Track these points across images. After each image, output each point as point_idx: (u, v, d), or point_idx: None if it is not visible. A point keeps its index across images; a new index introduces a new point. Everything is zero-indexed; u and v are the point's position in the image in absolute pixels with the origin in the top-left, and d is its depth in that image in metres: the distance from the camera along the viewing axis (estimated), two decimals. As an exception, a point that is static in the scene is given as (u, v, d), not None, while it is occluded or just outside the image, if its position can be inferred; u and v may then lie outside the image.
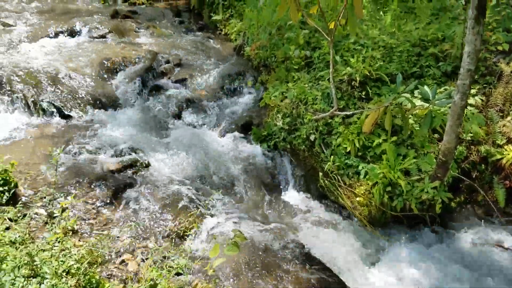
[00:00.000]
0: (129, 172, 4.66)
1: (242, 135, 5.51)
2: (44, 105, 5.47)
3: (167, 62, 6.94)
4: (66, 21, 7.74)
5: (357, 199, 4.30)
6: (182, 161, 4.99)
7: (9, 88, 5.49)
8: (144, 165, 4.80)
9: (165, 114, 5.97)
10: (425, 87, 3.84)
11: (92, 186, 4.25)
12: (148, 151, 5.08)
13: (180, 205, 4.10)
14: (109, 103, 5.97)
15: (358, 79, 4.67)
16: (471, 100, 4.40)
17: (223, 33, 8.16)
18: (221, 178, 4.77)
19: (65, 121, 5.46)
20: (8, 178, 3.75)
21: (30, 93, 5.49)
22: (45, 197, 3.67)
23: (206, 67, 6.87)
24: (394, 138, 4.33)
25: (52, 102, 5.53)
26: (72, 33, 7.44)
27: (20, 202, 3.49)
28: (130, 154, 4.95)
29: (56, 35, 7.30)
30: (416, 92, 4.40)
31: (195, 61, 7.11)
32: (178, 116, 5.95)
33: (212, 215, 4.07)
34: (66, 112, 5.55)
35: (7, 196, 3.38)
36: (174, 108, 6.02)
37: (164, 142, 5.37)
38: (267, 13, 6.04)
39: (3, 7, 8.26)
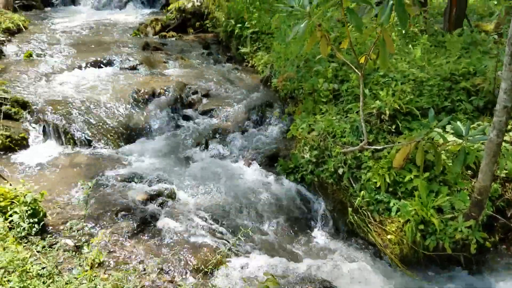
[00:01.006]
0: (156, 203, 4.66)
1: (268, 167, 5.47)
2: (75, 135, 5.59)
3: (195, 93, 7.03)
4: (99, 52, 8.00)
5: (388, 236, 4.16)
6: (208, 192, 4.96)
7: (42, 118, 5.65)
8: (171, 196, 4.79)
9: (192, 144, 6.00)
10: (458, 123, 3.75)
11: (119, 217, 4.26)
12: (174, 181, 5.08)
13: (206, 240, 4.05)
14: (138, 133, 6.05)
15: (387, 112, 4.60)
16: (506, 137, 4.26)
17: (250, 65, 8.25)
18: (248, 211, 4.70)
19: (94, 150, 5.55)
20: (37, 208, 3.80)
21: (62, 123, 5.63)
22: (72, 228, 3.68)
23: (233, 98, 6.92)
24: (426, 174, 4.21)
25: (83, 132, 5.65)
26: (104, 64, 7.65)
27: (48, 232, 3.52)
28: (156, 184, 4.97)
29: (89, 66, 7.52)
30: (448, 127, 4.30)
31: (222, 92, 7.17)
32: (205, 146, 5.96)
33: (239, 252, 4.00)
34: (95, 142, 5.65)
35: (37, 229, 3.40)
36: (201, 138, 6.04)
37: (191, 172, 5.37)
38: (295, 46, 6.10)
39: (39, 38, 8.61)
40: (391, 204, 4.22)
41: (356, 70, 3.95)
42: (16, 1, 10.88)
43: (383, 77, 5.07)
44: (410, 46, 5.70)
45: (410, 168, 4.29)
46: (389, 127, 4.67)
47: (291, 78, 6.13)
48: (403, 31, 5.72)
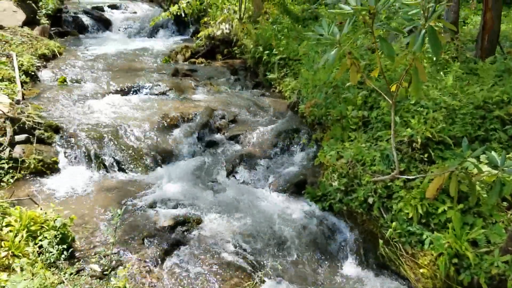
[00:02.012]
0: (182, 229, 4.65)
1: (296, 194, 5.40)
2: (105, 159, 5.68)
3: (223, 118, 7.08)
4: (130, 78, 8.20)
5: (421, 270, 3.99)
6: (234, 219, 4.92)
7: (74, 142, 5.78)
8: (196, 222, 4.78)
9: (219, 170, 6.00)
10: (493, 153, 3.61)
11: (145, 243, 4.26)
12: (200, 207, 5.07)
13: (233, 268, 3.98)
14: (166, 157, 6.11)
15: (419, 141, 4.49)
16: (545, 167, 4.08)
17: (277, 90, 8.29)
18: (275, 239, 4.61)
19: (123, 175, 5.62)
20: (66, 232, 3.84)
21: (93, 148, 5.74)
22: (100, 254, 3.69)
23: (260, 124, 6.93)
24: (460, 205, 4.05)
25: (113, 156, 5.74)
26: (135, 90, 7.83)
27: (75, 258, 3.54)
28: (183, 210, 4.98)
29: (120, 91, 7.71)
30: (482, 157, 4.15)
31: (249, 117, 7.20)
32: (231, 172, 5.95)
33: (266, 281, 3.91)
34: (124, 167, 5.72)
35: (65, 255, 3.42)
36: (228, 164, 6.04)
37: (217, 198, 5.36)
38: (323, 73, 6.09)
39: (72, 64, 8.90)
40: (424, 236, 4.06)
41: (387, 98, 3.90)
42: (52, 29, 11.34)
43: (414, 105, 4.97)
44: (441, 73, 5.60)
45: (443, 199, 4.14)
46: (421, 155, 4.55)
47: (319, 104, 6.10)
48: (434, 58, 5.64)
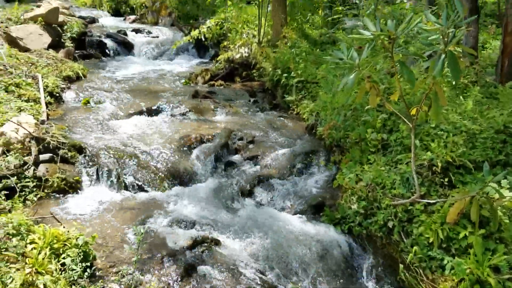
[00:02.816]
0: (200, 249, 4.66)
1: (314, 216, 5.39)
2: (126, 179, 5.78)
3: (241, 139, 7.15)
4: (152, 100, 8.38)
5: (442, 296, 3.93)
6: (252, 241, 4.92)
7: (96, 162, 5.91)
8: (215, 242, 4.79)
9: (236, 191, 6.03)
10: (515, 177, 3.59)
11: (165, 262, 4.28)
12: (218, 227, 5.09)
13: (252, 290, 3.98)
14: (185, 178, 6.18)
15: (439, 165, 4.47)
16: None
17: (295, 112, 8.35)
18: (292, 262, 4.59)
19: (143, 194, 5.69)
20: (88, 250, 3.90)
21: (114, 167, 5.85)
22: (121, 273, 3.73)
23: (278, 145, 6.97)
24: (482, 230, 4.00)
25: (133, 176, 5.84)
26: (156, 111, 8.00)
27: (96, 276, 3.59)
28: (201, 230, 5.00)
29: (141, 113, 7.88)
30: (503, 181, 4.11)
31: (267, 138, 7.25)
32: (249, 193, 5.97)
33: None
34: (145, 186, 5.81)
35: (88, 273, 3.48)
36: (245, 184, 6.07)
37: (235, 219, 5.37)
38: (342, 96, 6.14)
39: (96, 86, 9.15)
40: (445, 262, 4.01)
41: (407, 121, 3.92)
42: (77, 51, 11.70)
43: (434, 128, 4.97)
44: (461, 97, 5.60)
45: (464, 224, 4.10)
46: (441, 179, 4.52)
47: (337, 126, 6.13)
48: (454, 82, 5.65)
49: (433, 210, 4.27)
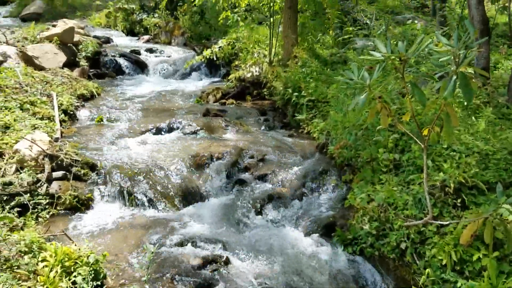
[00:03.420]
0: (210, 268, 4.64)
1: (325, 236, 5.34)
2: (138, 196, 5.82)
3: (251, 157, 7.16)
4: (164, 118, 8.47)
5: (456, 320, 3.85)
6: (262, 260, 4.89)
7: (108, 179, 5.96)
8: (225, 262, 4.77)
9: (247, 209, 6.02)
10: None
11: (175, 281, 4.27)
12: (229, 246, 5.07)
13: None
14: (195, 196, 6.19)
15: (452, 185, 4.43)
16: None
17: (305, 131, 8.36)
18: (303, 283, 4.55)
19: (154, 212, 5.72)
20: (98, 269, 3.91)
21: (126, 185, 5.90)
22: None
23: (288, 164, 6.97)
24: (496, 253, 3.93)
25: (145, 194, 5.88)
26: (168, 130, 8.07)
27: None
28: (211, 249, 4.98)
29: (153, 130, 7.96)
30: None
31: (277, 157, 7.25)
32: (259, 211, 5.96)
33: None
34: (156, 204, 5.83)
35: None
36: (255, 203, 6.06)
37: (245, 238, 5.36)
38: (353, 116, 6.15)
39: (109, 104, 9.29)
40: (458, 284, 3.93)
41: (419, 142, 3.90)
42: (91, 70, 11.92)
43: (446, 149, 4.94)
44: (473, 118, 5.58)
45: (478, 246, 4.03)
46: (454, 200, 4.48)
47: (348, 146, 6.12)
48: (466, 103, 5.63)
49: (446, 232, 4.22)
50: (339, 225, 5.38)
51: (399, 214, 4.61)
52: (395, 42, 9.50)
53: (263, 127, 8.78)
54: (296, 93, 8.76)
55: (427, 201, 3.80)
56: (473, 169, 4.55)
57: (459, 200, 4.46)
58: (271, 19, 10.61)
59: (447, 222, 4.08)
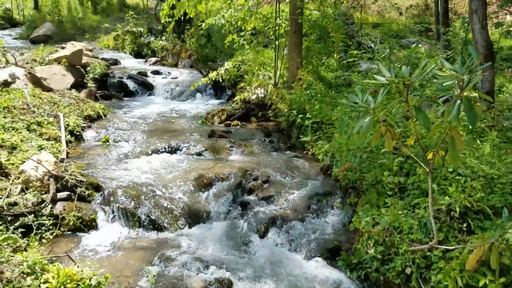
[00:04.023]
0: (213, 292, 4.60)
1: (329, 260, 5.28)
2: (141, 218, 5.81)
3: (255, 179, 7.15)
4: (169, 139, 8.51)
5: None
6: (265, 284, 4.84)
7: (112, 200, 5.96)
8: (227, 285, 4.72)
9: (250, 232, 5.98)
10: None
11: (177, 305, 4.23)
12: (232, 269, 5.02)
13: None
14: (199, 217, 6.17)
15: (458, 210, 4.39)
16: None
17: (310, 153, 8.36)
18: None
19: (158, 234, 5.70)
20: (101, 291, 3.89)
21: (130, 206, 5.89)
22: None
23: (292, 185, 6.95)
24: (502, 279, 3.86)
25: (148, 215, 5.86)
26: (173, 150, 8.10)
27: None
28: (214, 272, 4.94)
29: (158, 151, 7.99)
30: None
31: (282, 179, 7.24)
32: (263, 234, 5.92)
33: None
34: (159, 226, 5.81)
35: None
36: (259, 226, 6.02)
37: (248, 261, 5.30)
38: (357, 138, 6.15)
39: (115, 125, 9.36)
40: (466, 311, 3.86)
41: (424, 166, 3.89)
42: (98, 91, 12.07)
43: (452, 173, 4.92)
44: (478, 141, 5.56)
45: (484, 272, 3.97)
46: (460, 225, 4.43)
47: (353, 168, 6.10)
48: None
49: (452, 257, 4.16)
50: (344, 249, 5.32)
51: (405, 238, 4.56)
52: (399, 66, 9.57)
53: (267, 149, 8.79)
54: (300, 115, 8.80)
55: (432, 225, 3.77)
56: (478, 193, 4.51)
57: (465, 225, 4.41)
58: (276, 42, 10.75)
59: (453, 247, 4.03)
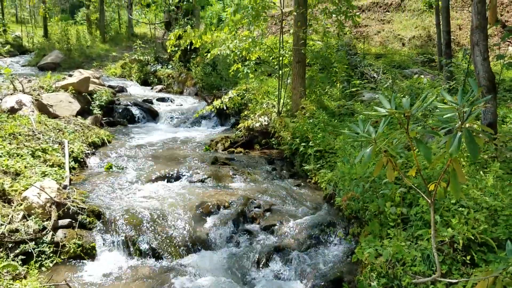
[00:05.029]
0: (213, 323, 4.52)
1: (331, 292, 5.20)
2: (141, 246, 5.77)
3: (258, 207, 7.12)
4: (171, 166, 8.54)
5: None
6: (267, 316, 4.76)
7: (113, 228, 5.94)
8: (228, 317, 4.65)
9: (252, 261, 5.91)
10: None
11: (176, 337, 4.15)
12: (233, 301, 4.96)
13: None
14: (200, 245, 6.12)
15: (461, 242, 4.34)
16: None
17: (313, 181, 8.35)
18: None
19: (158, 263, 5.64)
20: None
21: (130, 234, 5.86)
22: None
23: (295, 214, 6.91)
24: (509, 314, 3.78)
25: (149, 243, 5.82)
26: (175, 177, 8.12)
27: None
28: (215, 302, 4.87)
29: (161, 178, 8.01)
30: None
31: (284, 207, 7.21)
32: (265, 264, 5.85)
33: None
34: (160, 254, 5.77)
35: None
36: (261, 255, 5.96)
37: (250, 292, 5.24)
38: (360, 167, 6.15)
39: (119, 152, 9.42)
40: None
41: (425, 197, 3.87)
42: (104, 118, 12.21)
43: (454, 204, 4.88)
44: (481, 172, 5.54)
45: (490, 306, 3.89)
46: (463, 257, 4.36)
47: (356, 198, 6.08)
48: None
49: (456, 290, 4.09)
50: (347, 280, 5.24)
51: (408, 270, 4.49)
52: (402, 96, 9.65)
53: (270, 176, 8.79)
54: (303, 143, 8.84)
55: (435, 257, 3.72)
56: (482, 225, 4.46)
57: (468, 257, 4.35)
58: (280, 72, 10.90)
59: (456, 280, 3.96)
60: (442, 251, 4.45)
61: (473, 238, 4.35)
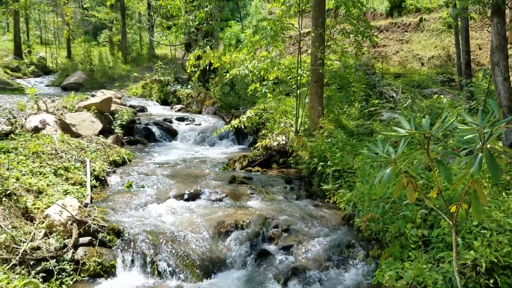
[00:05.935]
0: None
1: (351, 315, 5.11)
2: (160, 265, 5.78)
3: (276, 227, 7.09)
4: (190, 184, 8.60)
5: None
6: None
7: (133, 247, 5.98)
8: None
9: (270, 283, 5.85)
10: None
11: None
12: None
13: None
14: (218, 266, 6.10)
15: (484, 265, 4.24)
16: None
17: (331, 201, 8.28)
18: None
19: (176, 282, 5.64)
20: None
21: (149, 253, 5.89)
22: None
23: (313, 235, 6.84)
24: None
25: (167, 262, 5.84)
26: (194, 196, 8.16)
27: None
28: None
29: (180, 197, 8.07)
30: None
31: (303, 227, 7.15)
32: (283, 285, 5.79)
33: None
34: (178, 274, 5.76)
35: None
36: (279, 276, 5.90)
37: (268, 314, 5.17)
38: (379, 188, 6.09)
39: (139, 170, 9.54)
40: None
41: (447, 219, 3.81)
42: (125, 137, 12.43)
43: (477, 226, 4.78)
44: (503, 194, 5.43)
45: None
46: (486, 281, 4.25)
47: (376, 219, 6.00)
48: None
49: (480, 316, 3.98)
50: (367, 303, 5.15)
51: (429, 294, 4.40)
52: (422, 115, 9.56)
53: (288, 196, 8.76)
54: (321, 163, 8.80)
55: (457, 281, 3.64)
56: (505, 247, 4.36)
57: (491, 281, 4.24)
58: (298, 91, 10.96)
59: (481, 306, 3.86)
60: (464, 274, 4.35)
61: (496, 261, 4.25)
